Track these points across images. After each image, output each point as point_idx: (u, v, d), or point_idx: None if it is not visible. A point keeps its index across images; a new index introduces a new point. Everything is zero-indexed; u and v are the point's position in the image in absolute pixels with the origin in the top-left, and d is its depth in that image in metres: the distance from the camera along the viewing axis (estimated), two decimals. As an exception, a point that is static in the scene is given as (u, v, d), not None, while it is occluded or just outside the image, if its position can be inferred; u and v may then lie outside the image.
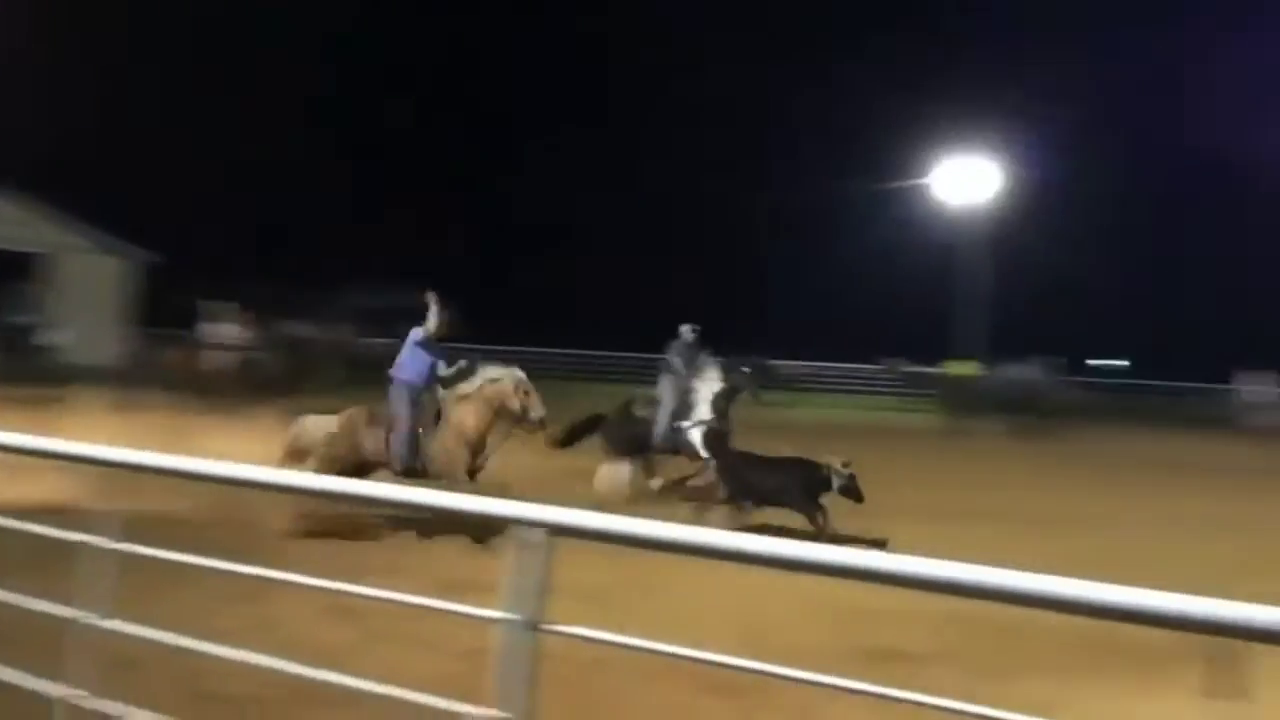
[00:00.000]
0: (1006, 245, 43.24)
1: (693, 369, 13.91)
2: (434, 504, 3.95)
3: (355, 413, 11.34)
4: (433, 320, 11.33)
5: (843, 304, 46.03)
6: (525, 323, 38.81)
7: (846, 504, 10.97)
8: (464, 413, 11.07)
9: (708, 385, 13.62)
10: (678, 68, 51.13)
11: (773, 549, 3.28)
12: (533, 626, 3.34)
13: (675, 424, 13.56)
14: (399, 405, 11.09)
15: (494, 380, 11.18)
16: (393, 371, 11.32)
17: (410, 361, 11.27)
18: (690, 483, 13.09)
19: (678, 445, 13.58)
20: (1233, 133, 47.29)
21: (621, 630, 3.47)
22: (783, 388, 19.15)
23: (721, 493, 11.66)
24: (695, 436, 13.32)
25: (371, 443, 11.10)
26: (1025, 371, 29.17)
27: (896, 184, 44.73)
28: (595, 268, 46.03)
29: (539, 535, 3.37)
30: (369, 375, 27.78)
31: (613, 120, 51.72)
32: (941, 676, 6.72)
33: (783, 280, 47.86)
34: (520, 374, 11.30)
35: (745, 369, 14.09)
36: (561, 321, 41.01)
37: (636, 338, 37.38)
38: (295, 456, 11.15)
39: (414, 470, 10.96)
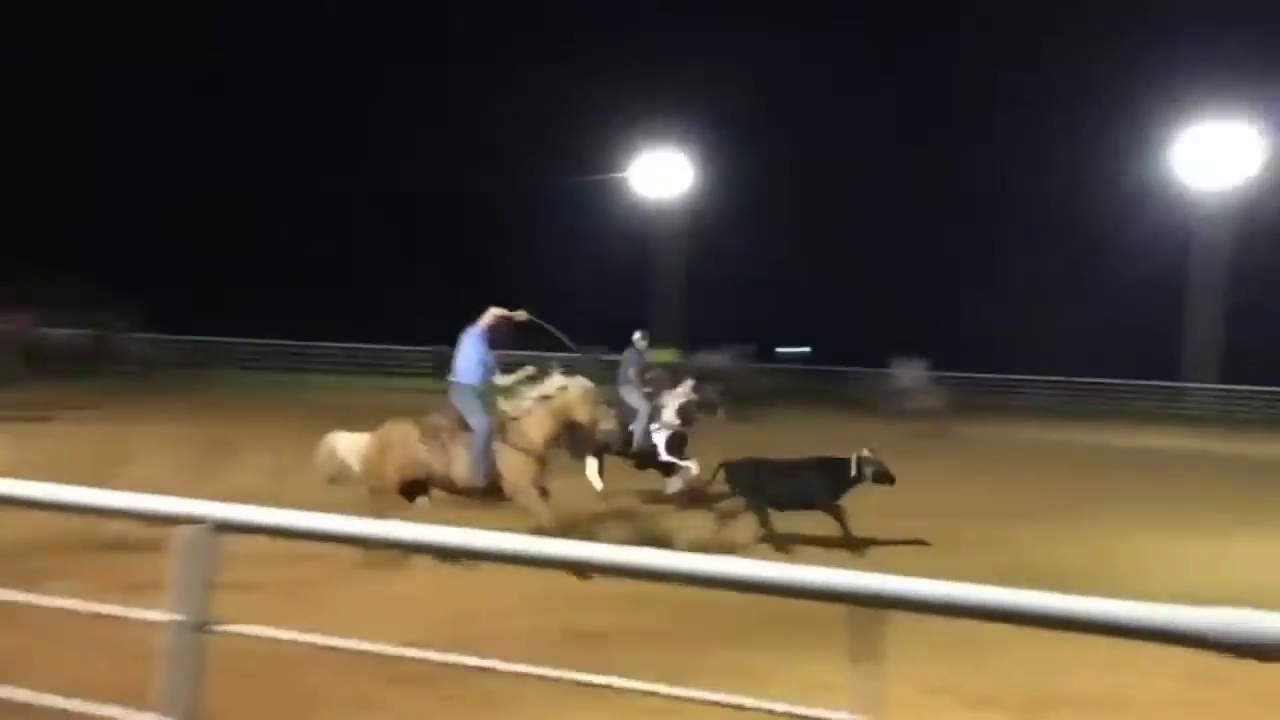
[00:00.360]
0: (701, 237, 44.98)
1: (658, 380, 14.47)
2: (95, 504, 3.74)
3: (398, 427, 10.35)
4: (489, 317, 10.61)
5: (544, 294, 46.42)
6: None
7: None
8: (528, 425, 10.29)
9: (678, 399, 14.13)
10: (388, 62, 50.24)
11: (451, 539, 3.38)
12: (199, 627, 3.25)
13: (647, 429, 13.96)
14: (471, 410, 10.21)
15: (561, 390, 10.48)
16: (453, 376, 10.49)
17: (469, 361, 10.45)
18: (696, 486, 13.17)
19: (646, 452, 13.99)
20: (906, 131, 50.98)
21: (320, 623, 3.45)
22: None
23: (743, 502, 11.34)
24: (660, 438, 13.82)
25: (426, 455, 10.15)
26: (719, 358, 30.40)
27: (597, 177, 45.67)
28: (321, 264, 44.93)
29: (203, 532, 3.27)
30: (58, 368, 25.98)
31: (332, 117, 50.26)
32: (636, 651, 7.07)
33: (488, 270, 47.94)
34: (588, 384, 10.67)
35: (717, 389, 14.84)
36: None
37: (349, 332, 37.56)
38: (332, 480, 10.33)
39: (490, 485, 10.12)
